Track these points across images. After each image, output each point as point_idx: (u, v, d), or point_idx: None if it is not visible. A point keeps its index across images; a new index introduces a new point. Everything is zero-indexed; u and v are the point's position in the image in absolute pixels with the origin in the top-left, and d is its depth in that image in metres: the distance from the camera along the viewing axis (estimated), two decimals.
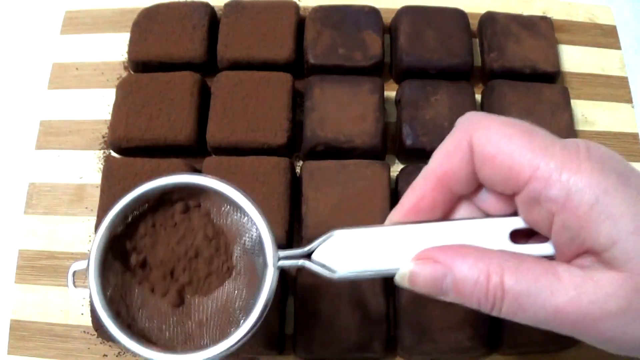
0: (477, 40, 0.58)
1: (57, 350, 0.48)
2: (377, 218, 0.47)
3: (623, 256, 0.27)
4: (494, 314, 0.29)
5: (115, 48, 0.58)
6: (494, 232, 0.31)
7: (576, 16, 0.61)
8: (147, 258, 0.34)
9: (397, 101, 0.54)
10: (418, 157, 0.52)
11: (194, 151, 0.52)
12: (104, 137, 0.55)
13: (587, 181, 0.27)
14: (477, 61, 0.57)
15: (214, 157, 0.51)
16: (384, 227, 0.32)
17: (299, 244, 0.49)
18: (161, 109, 0.51)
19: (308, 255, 0.32)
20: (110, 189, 0.49)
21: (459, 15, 0.56)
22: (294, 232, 0.50)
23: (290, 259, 0.32)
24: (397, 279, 0.30)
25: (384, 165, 0.50)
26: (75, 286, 0.34)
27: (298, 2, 0.58)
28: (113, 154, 0.54)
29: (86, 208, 0.52)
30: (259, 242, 0.32)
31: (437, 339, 0.45)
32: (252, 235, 0.33)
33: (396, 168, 0.53)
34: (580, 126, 0.56)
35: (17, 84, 0.58)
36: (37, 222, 0.52)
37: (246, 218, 0.33)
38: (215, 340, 0.31)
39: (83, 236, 0.51)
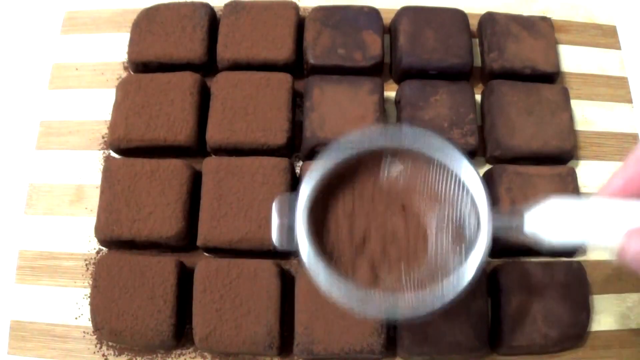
0: (477, 40, 0.58)
1: (57, 351, 0.48)
2: None
3: None
4: None
5: (115, 48, 0.58)
6: None
7: (576, 16, 0.61)
8: (347, 233, 0.35)
9: (397, 101, 0.54)
10: None
11: (193, 151, 0.52)
12: (104, 137, 0.55)
13: None
14: (477, 61, 0.57)
15: (214, 157, 0.51)
16: (594, 200, 0.33)
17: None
18: (161, 109, 0.51)
19: (520, 225, 0.33)
20: (110, 190, 0.49)
21: (459, 15, 0.56)
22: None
23: (505, 226, 0.34)
24: (609, 248, 0.32)
25: None
26: (278, 217, 0.34)
27: (298, 2, 0.58)
28: (113, 154, 0.54)
29: (86, 208, 0.52)
30: (473, 204, 0.34)
31: (437, 339, 0.45)
32: (467, 196, 0.34)
33: None
34: (580, 126, 0.56)
35: (17, 84, 0.58)
36: (37, 223, 0.52)
37: (461, 185, 0.34)
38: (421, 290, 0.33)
39: (83, 236, 0.51)
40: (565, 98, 0.54)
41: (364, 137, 0.34)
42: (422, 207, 0.35)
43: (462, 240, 0.35)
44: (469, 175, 0.33)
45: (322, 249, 0.34)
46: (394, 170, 0.35)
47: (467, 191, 0.34)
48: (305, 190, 0.34)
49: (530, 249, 0.49)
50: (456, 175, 0.34)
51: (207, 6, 0.56)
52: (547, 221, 0.33)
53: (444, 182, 0.35)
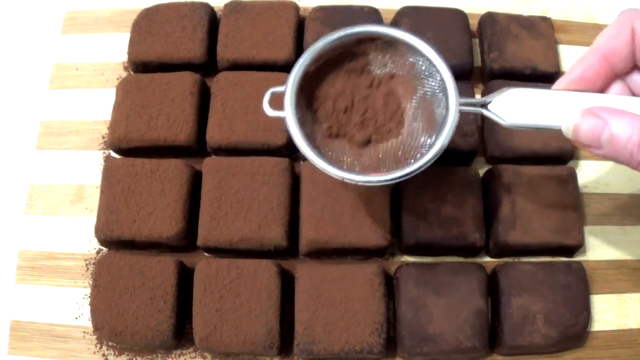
0: (477, 40, 0.58)
1: (57, 351, 0.48)
2: (378, 218, 0.47)
3: None
4: None
5: (115, 48, 0.58)
6: None
7: (576, 16, 0.61)
8: (332, 104, 0.41)
9: None
10: None
11: (194, 151, 0.52)
12: (104, 137, 0.55)
13: None
14: (477, 61, 0.57)
15: (214, 157, 0.52)
16: (552, 90, 0.38)
17: (299, 244, 0.49)
18: (161, 109, 0.51)
19: (484, 105, 0.38)
20: (110, 189, 0.49)
21: (459, 16, 0.56)
22: (292, 231, 0.49)
23: (469, 106, 0.38)
24: (563, 129, 0.36)
25: None
26: (271, 107, 0.39)
27: (298, 2, 0.58)
28: (113, 154, 0.54)
29: (86, 208, 0.52)
30: (442, 89, 0.39)
31: (437, 339, 0.45)
32: (434, 83, 0.40)
33: None
34: None
35: (17, 84, 0.58)
36: (37, 223, 0.52)
37: (431, 67, 0.39)
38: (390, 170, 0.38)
39: (83, 236, 0.51)
40: None
41: (353, 29, 0.40)
42: (401, 92, 0.41)
43: (433, 124, 0.39)
44: (440, 66, 0.38)
45: (310, 116, 0.40)
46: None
47: (439, 79, 0.39)
48: (298, 69, 0.39)
49: (531, 249, 0.50)
50: (430, 66, 0.39)
51: (207, 6, 0.56)
52: (508, 106, 0.37)
53: (420, 71, 0.40)
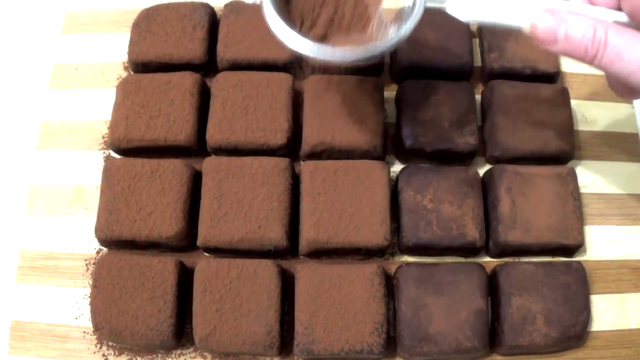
0: (477, 40, 0.58)
1: (57, 351, 0.48)
2: (378, 218, 0.47)
3: None
4: (595, 63, 0.36)
5: (115, 48, 0.58)
6: (600, 17, 0.37)
7: None
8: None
9: (397, 101, 0.54)
10: (418, 157, 0.52)
11: (194, 151, 0.52)
12: (104, 137, 0.55)
13: None
14: (477, 61, 0.57)
15: (214, 157, 0.52)
16: None
17: (299, 244, 0.49)
18: (161, 109, 0.51)
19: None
20: (110, 189, 0.49)
21: None
22: (292, 231, 0.49)
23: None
24: (522, 26, 0.38)
25: (384, 165, 0.50)
26: None
27: None
28: (113, 154, 0.54)
29: (86, 208, 0.52)
30: None
31: (437, 339, 0.45)
32: None
33: (396, 168, 0.53)
34: (580, 126, 0.56)
35: (17, 84, 0.58)
36: (37, 223, 0.52)
37: None
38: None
39: (83, 236, 0.51)
40: (565, 98, 0.54)
41: None
42: None
43: (400, 18, 0.41)
44: None
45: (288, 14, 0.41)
46: None
47: None
48: None
49: (531, 249, 0.50)
50: None
51: (207, 6, 0.56)
52: (470, 3, 0.39)
53: None
